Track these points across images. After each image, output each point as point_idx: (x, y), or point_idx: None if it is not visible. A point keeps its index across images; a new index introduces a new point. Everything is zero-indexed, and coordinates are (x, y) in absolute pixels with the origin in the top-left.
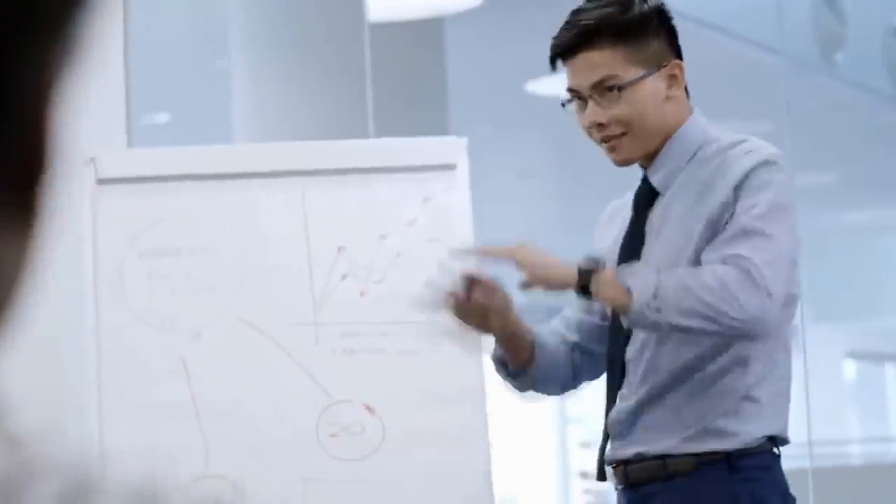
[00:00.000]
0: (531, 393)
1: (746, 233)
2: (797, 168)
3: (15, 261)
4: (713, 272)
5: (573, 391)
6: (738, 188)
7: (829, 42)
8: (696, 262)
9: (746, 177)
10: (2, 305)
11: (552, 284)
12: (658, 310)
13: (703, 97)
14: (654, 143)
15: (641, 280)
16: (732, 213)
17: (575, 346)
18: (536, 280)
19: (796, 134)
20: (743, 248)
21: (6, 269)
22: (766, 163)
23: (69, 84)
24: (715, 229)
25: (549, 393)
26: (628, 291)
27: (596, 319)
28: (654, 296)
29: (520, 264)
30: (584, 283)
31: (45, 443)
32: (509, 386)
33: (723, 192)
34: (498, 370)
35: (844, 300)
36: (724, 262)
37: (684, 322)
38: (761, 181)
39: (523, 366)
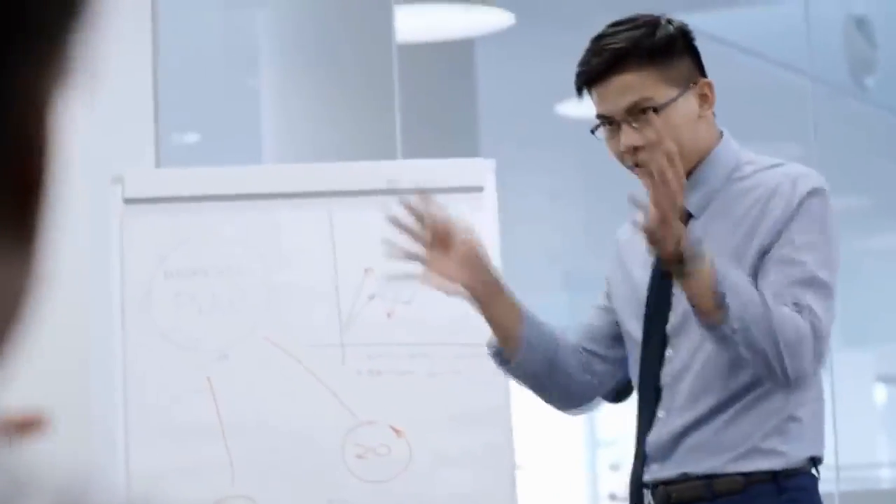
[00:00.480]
0: (544, 396)
1: (815, 283)
2: None
3: (15, 278)
4: (795, 324)
5: (589, 403)
6: (792, 216)
7: (860, 65)
8: None
9: (801, 205)
10: (4, 322)
11: (662, 241)
12: (734, 332)
13: (731, 119)
14: (689, 164)
15: (735, 299)
16: (788, 240)
17: (583, 349)
18: (657, 223)
19: (825, 157)
20: (815, 302)
21: (6, 287)
22: (819, 191)
23: (67, 98)
24: (770, 256)
25: (561, 397)
26: (718, 300)
27: (605, 326)
28: (741, 323)
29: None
30: (679, 262)
31: (39, 461)
32: (510, 377)
33: (777, 221)
34: (493, 357)
35: (874, 324)
36: (799, 311)
37: (748, 355)
38: (818, 213)
39: (515, 344)
